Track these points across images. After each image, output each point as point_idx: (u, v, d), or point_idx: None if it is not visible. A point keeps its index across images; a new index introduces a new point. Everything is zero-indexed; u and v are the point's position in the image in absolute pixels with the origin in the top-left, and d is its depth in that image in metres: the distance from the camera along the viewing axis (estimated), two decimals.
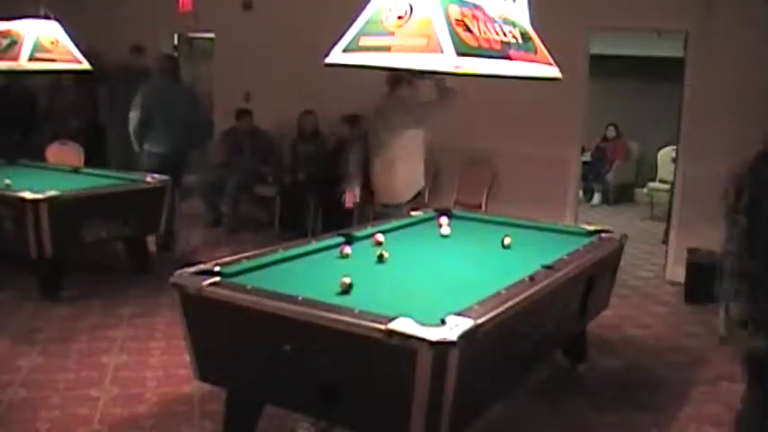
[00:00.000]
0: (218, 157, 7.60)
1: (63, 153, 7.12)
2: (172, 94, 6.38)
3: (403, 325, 2.28)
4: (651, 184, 9.87)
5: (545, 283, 2.97)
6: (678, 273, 5.92)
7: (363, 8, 2.48)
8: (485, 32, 2.44)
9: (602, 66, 7.99)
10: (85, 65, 5.35)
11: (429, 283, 3.11)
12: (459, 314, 2.39)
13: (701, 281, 5.62)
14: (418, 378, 2.24)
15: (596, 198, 10.43)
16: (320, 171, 7.21)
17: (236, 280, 2.86)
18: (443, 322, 2.32)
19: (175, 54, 8.43)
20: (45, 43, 5.04)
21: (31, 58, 4.96)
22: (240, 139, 7.52)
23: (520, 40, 2.63)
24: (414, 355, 2.23)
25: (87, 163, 6.95)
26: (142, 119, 6.19)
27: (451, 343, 2.22)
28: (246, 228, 7.42)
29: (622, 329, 4.94)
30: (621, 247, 4.11)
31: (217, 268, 2.92)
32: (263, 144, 7.62)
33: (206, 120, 7.18)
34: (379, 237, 3.70)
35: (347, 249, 3.46)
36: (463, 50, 2.30)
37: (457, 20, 2.34)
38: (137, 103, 6.24)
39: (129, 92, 6.47)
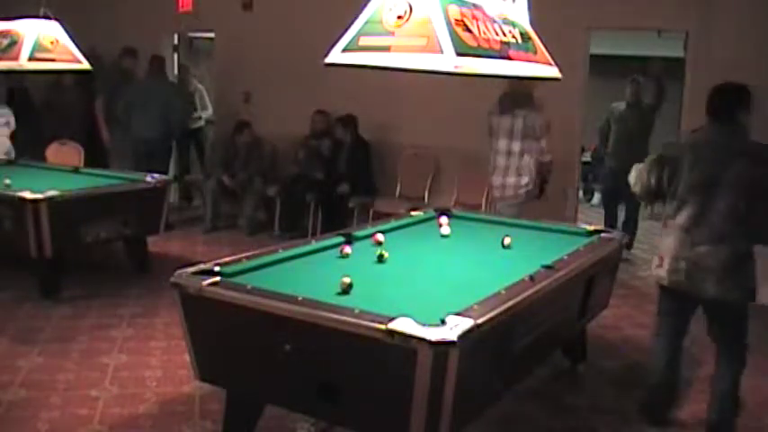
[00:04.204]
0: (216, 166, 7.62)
1: (63, 153, 7.13)
2: (154, 88, 7.27)
3: (403, 325, 2.28)
4: None
5: (545, 283, 2.97)
6: None
7: (363, 8, 2.48)
8: (484, 32, 2.44)
9: (602, 66, 7.99)
10: (85, 65, 5.35)
11: (429, 283, 3.12)
12: (459, 314, 2.40)
13: None
14: (418, 378, 2.25)
15: (596, 198, 10.42)
16: (320, 171, 7.21)
17: (236, 280, 2.86)
18: (443, 322, 2.32)
19: (176, 54, 8.91)
20: (45, 43, 5.04)
21: (31, 58, 4.96)
22: (240, 152, 7.45)
23: (520, 40, 2.63)
24: (414, 355, 2.23)
25: (87, 163, 6.98)
26: (124, 107, 7.24)
27: (451, 343, 2.23)
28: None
29: (622, 329, 4.94)
30: (621, 247, 4.11)
31: (217, 268, 2.92)
32: (266, 155, 7.59)
33: (181, 114, 7.61)
34: (379, 237, 3.70)
35: (347, 249, 3.46)
36: (463, 50, 2.30)
37: (456, 20, 2.34)
38: (123, 95, 7.29)
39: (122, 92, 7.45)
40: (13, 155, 6.82)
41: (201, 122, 8.82)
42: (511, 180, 4.94)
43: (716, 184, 3.22)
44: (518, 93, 5.10)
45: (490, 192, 5.16)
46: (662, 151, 3.47)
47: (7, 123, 6.86)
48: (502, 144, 5.01)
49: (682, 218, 3.31)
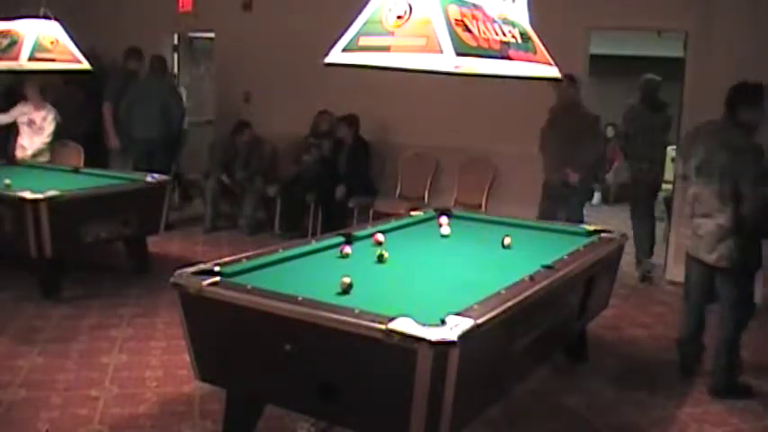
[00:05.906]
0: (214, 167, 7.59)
1: (63, 153, 7.12)
2: (156, 88, 7.27)
3: (403, 325, 2.28)
4: None
5: (545, 282, 2.97)
6: (678, 273, 5.89)
7: (363, 8, 2.48)
8: (484, 32, 2.44)
9: (602, 66, 7.99)
10: (85, 65, 5.35)
11: (429, 283, 3.12)
12: (459, 314, 2.40)
13: None
14: (418, 378, 2.25)
15: (596, 198, 10.41)
16: (321, 171, 7.21)
17: (236, 280, 2.86)
18: (443, 322, 2.32)
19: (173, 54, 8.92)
20: (45, 43, 5.04)
21: (31, 58, 4.96)
22: (240, 152, 7.45)
23: (519, 40, 2.63)
24: (414, 355, 2.23)
25: (87, 163, 6.97)
26: (126, 108, 7.23)
27: (451, 343, 2.22)
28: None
29: (622, 329, 4.94)
30: (621, 247, 4.11)
31: (217, 268, 2.92)
32: (266, 155, 7.59)
33: (180, 114, 7.59)
34: (379, 237, 3.70)
35: (347, 249, 3.46)
36: (463, 50, 2.30)
37: (456, 20, 2.34)
38: (126, 96, 7.27)
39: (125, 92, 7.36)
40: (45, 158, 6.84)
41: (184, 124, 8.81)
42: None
43: (709, 168, 3.80)
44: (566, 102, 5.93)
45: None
46: (681, 142, 4.23)
47: (30, 122, 6.78)
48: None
49: (689, 195, 4.00)
